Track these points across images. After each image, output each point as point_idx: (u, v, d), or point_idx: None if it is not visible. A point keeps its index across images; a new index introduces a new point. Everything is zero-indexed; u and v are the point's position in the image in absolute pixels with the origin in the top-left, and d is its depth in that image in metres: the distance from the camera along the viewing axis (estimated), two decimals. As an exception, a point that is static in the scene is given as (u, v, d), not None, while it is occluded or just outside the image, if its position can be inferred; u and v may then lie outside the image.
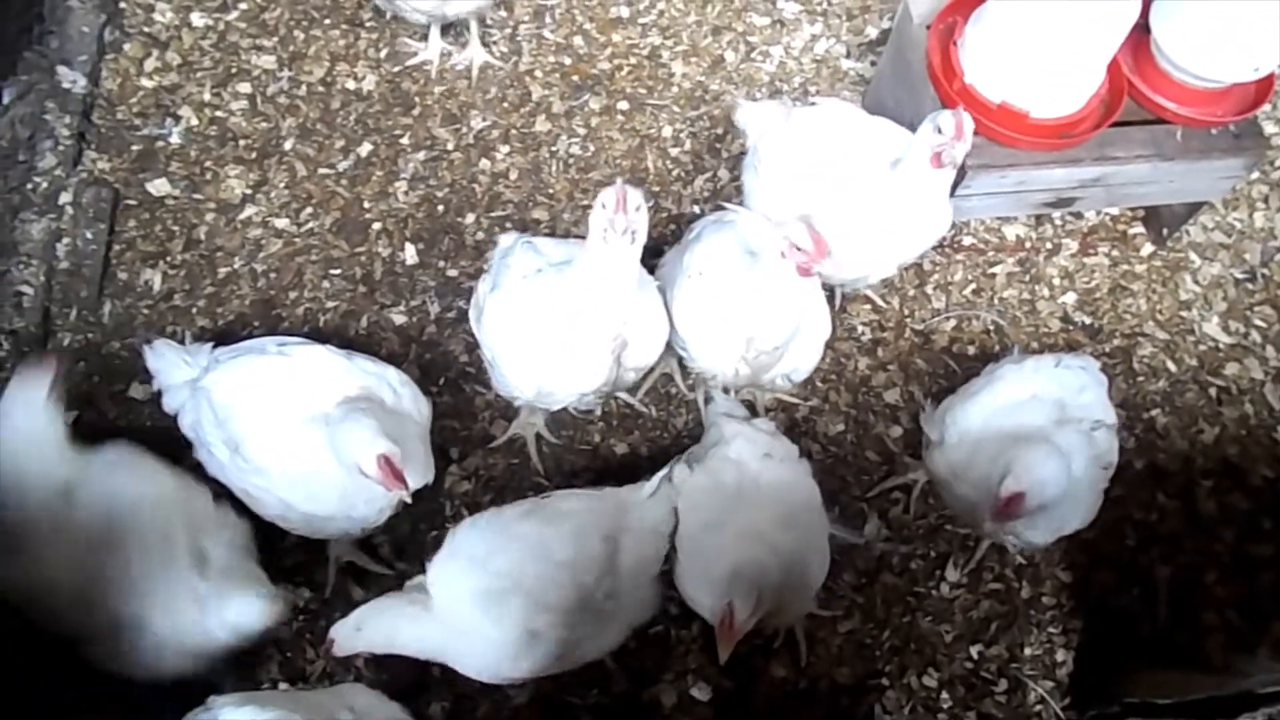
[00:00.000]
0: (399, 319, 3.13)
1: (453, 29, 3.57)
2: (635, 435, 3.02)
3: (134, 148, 3.33)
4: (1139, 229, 3.49)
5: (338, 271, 3.19)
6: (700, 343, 2.64)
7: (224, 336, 2.94)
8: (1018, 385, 2.62)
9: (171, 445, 2.55)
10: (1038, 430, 2.45)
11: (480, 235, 3.29)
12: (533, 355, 2.50)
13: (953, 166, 2.56)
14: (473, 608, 2.24)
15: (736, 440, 2.51)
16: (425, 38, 3.56)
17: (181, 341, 2.72)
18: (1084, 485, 2.47)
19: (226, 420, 2.41)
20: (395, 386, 2.53)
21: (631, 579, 2.38)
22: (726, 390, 2.83)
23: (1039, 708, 2.76)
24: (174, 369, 2.56)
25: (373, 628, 2.24)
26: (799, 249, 2.34)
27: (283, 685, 2.63)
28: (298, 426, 2.36)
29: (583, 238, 2.29)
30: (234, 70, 3.51)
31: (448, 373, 3.04)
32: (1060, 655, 2.83)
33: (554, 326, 2.41)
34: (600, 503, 2.44)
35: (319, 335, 2.90)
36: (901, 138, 2.76)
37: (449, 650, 2.29)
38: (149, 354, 2.61)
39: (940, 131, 2.51)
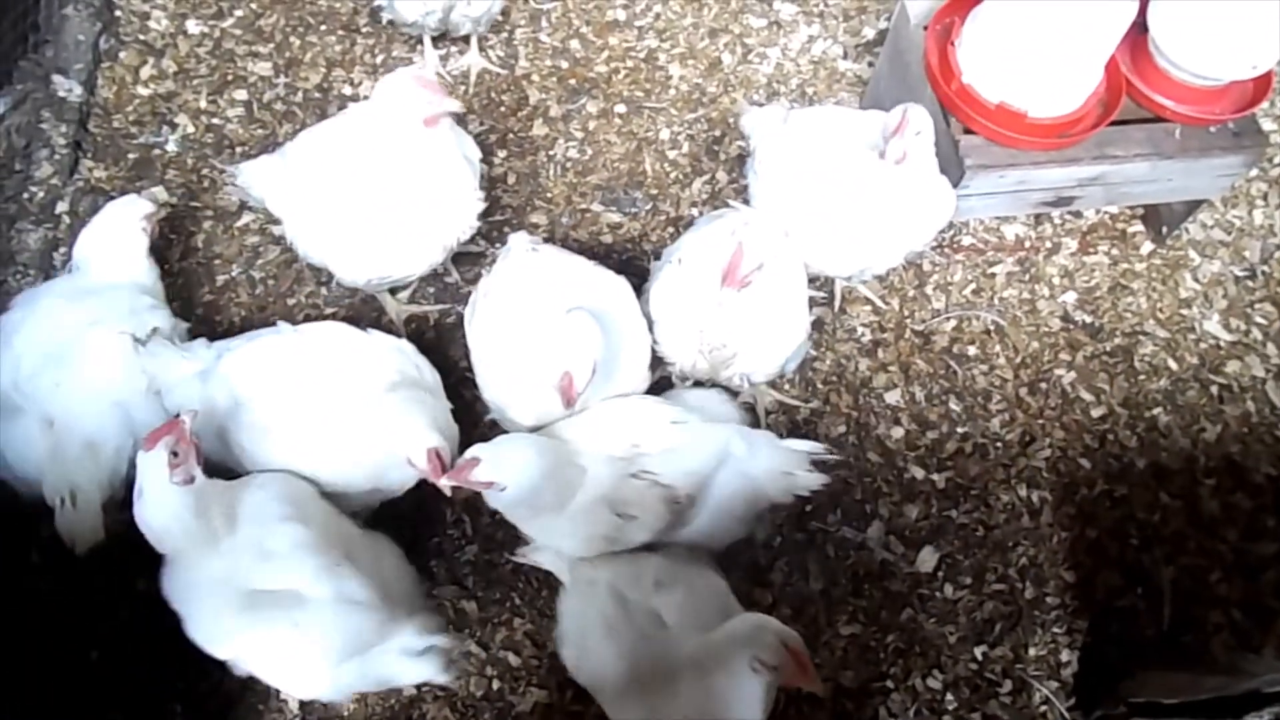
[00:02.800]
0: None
1: (446, 38, 3.55)
2: (636, 439, 3.00)
3: (130, 156, 3.32)
4: (1138, 227, 3.49)
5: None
6: (664, 327, 2.67)
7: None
8: None
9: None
10: None
11: (479, 240, 3.27)
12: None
13: (914, 157, 2.59)
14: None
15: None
16: (417, 48, 3.54)
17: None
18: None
19: (249, 402, 2.38)
20: (413, 358, 2.58)
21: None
22: (685, 380, 2.82)
23: (1044, 708, 2.75)
24: (172, 366, 2.50)
25: None
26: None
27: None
28: (332, 405, 2.36)
29: (581, 251, 2.28)
30: (230, 77, 3.51)
31: (447, 378, 2.98)
32: (1065, 656, 2.82)
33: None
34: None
35: (317, 342, 2.88)
36: None
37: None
38: (143, 355, 2.54)
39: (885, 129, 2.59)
